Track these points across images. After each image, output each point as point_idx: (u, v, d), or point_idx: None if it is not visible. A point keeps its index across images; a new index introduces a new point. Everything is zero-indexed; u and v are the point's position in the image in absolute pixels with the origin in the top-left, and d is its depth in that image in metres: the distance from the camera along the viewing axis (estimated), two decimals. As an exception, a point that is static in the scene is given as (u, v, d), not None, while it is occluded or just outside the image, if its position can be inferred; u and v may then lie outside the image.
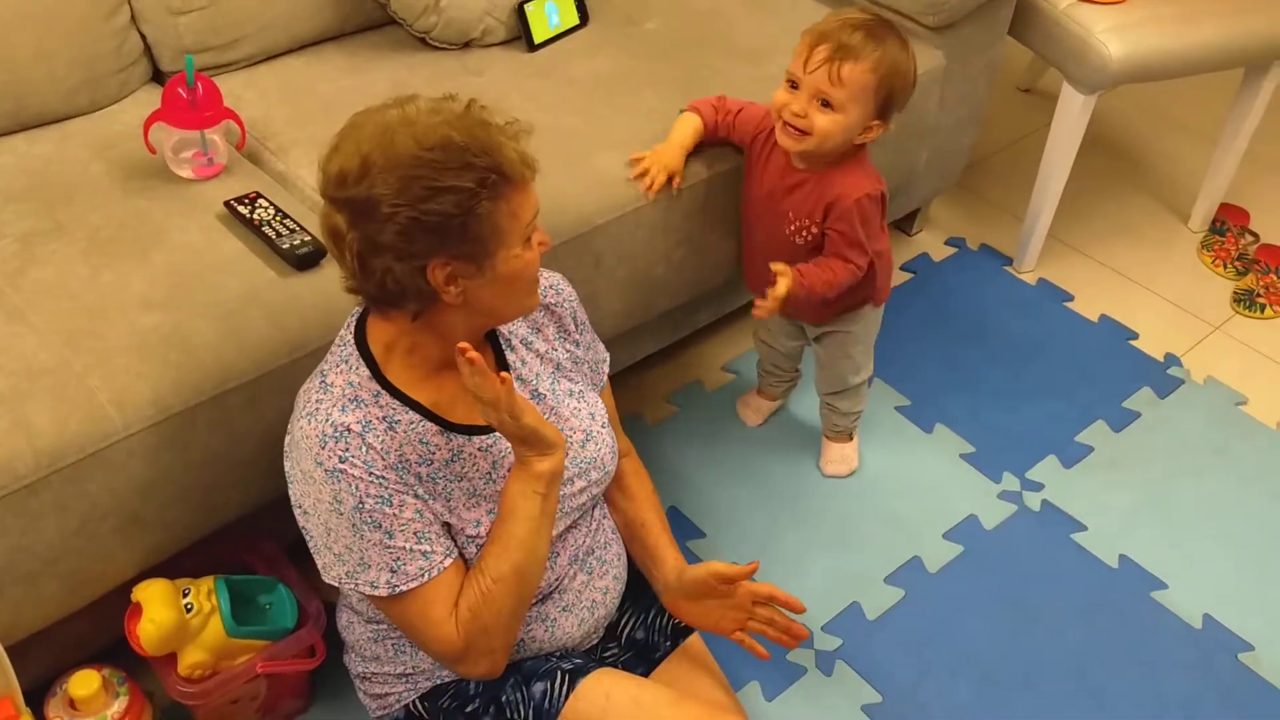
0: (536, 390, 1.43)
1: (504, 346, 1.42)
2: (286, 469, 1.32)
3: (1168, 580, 1.93)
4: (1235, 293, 2.53)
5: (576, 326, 1.50)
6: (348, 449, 1.24)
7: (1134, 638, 1.84)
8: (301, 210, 1.67)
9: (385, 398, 1.29)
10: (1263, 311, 2.48)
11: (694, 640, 1.60)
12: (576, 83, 1.99)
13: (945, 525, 2.00)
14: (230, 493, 1.55)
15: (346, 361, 1.31)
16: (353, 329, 1.34)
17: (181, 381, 1.44)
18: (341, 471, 1.24)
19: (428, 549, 1.28)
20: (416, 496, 1.28)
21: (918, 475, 2.09)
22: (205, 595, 1.51)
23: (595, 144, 1.83)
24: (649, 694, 1.40)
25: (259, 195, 1.66)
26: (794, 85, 1.64)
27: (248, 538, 1.66)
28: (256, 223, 1.61)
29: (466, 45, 2.05)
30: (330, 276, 1.57)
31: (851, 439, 2.08)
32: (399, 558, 1.27)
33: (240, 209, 1.63)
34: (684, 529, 1.96)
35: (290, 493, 1.32)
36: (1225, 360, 2.37)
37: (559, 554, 1.44)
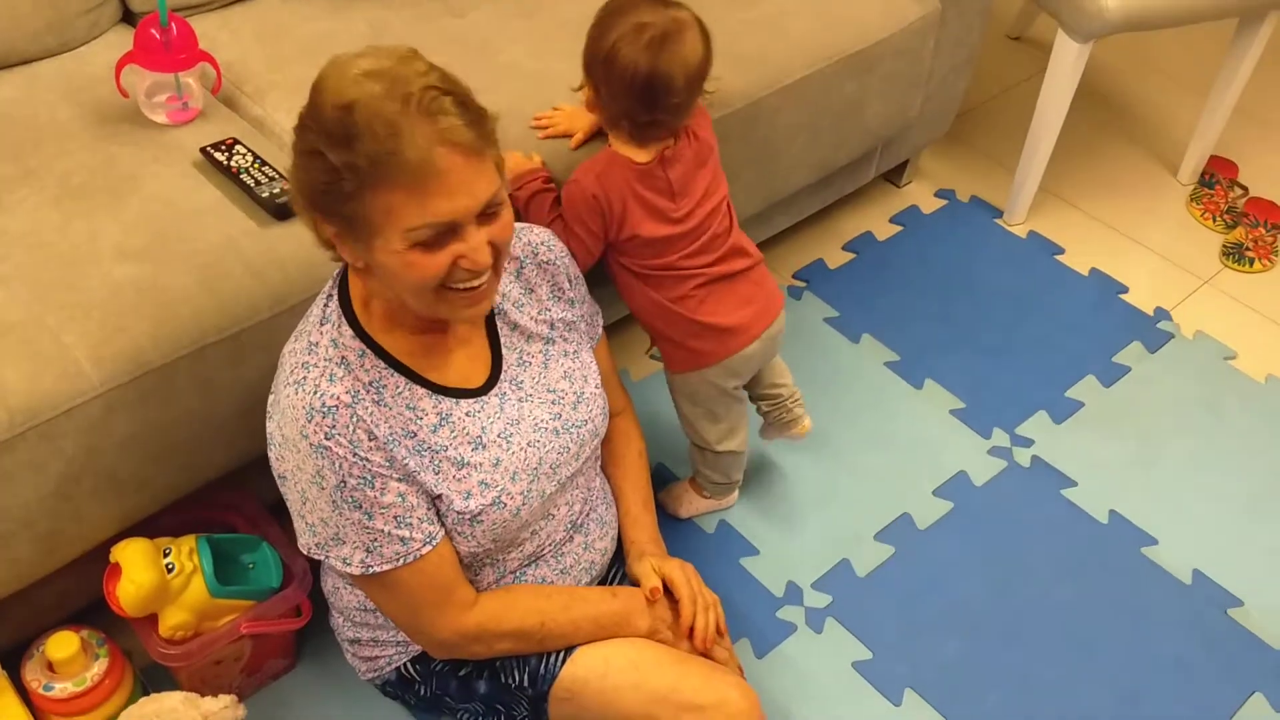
0: (529, 353, 1.39)
1: (495, 311, 1.38)
2: (269, 430, 1.27)
3: (1158, 536, 1.92)
4: (1224, 246, 2.51)
5: (570, 284, 1.46)
6: (334, 425, 1.20)
7: (1124, 593, 1.84)
8: (280, 157, 1.61)
9: (370, 358, 1.25)
10: (1251, 265, 2.47)
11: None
12: (566, 25, 1.92)
13: (935, 482, 1.98)
14: (211, 451, 1.50)
15: (329, 319, 1.26)
16: (336, 283, 1.30)
17: (159, 335, 1.38)
18: (326, 448, 1.20)
19: (406, 535, 1.25)
20: (401, 478, 1.24)
21: (907, 432, 2.06)
22: (187, 555, 1.47)
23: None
24: (649, 655, 1.39)
25: (236, 141, 1.60)
26: None
27: (229, 495, 1.62)
28: (234, 170, 1.55)
29: (449, -14, 1.98)
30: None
31: (703, 497, 1.86)
32: (376, 539, 1.24)
33: (217, 156, 1.57)
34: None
35: (269, 455, 1.28)
36: (1215, 314, 2.35)
37: (554, 516, 1.41)
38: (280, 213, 1.51)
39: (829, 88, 1.96)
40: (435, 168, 1.09)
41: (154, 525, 1.51)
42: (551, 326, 1.42)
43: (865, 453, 2.02)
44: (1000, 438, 2.06)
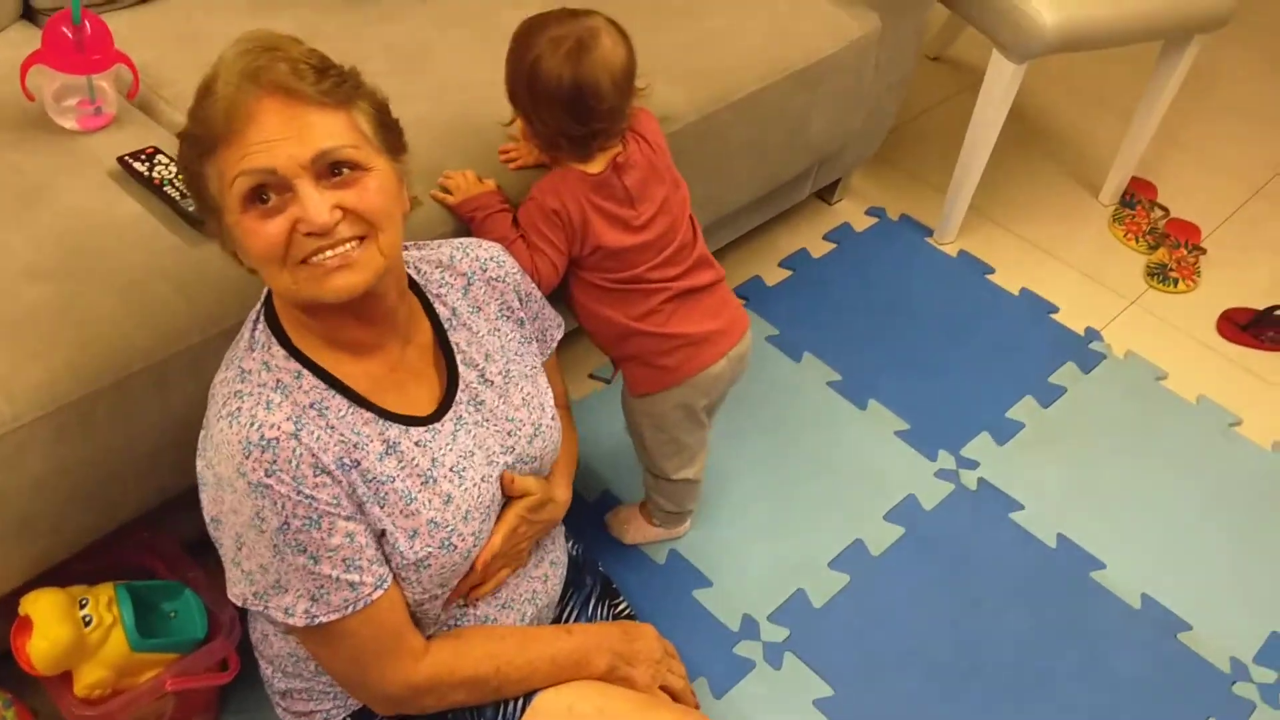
0: (485, 376, 1.29)
1: (447, 327, 1.28)
2: (199, 469, 1.15)
3: (1105, 560, 1.91)
4: (1148, 266, 2.54)
5: (521, 302, 1.37)
6: (275, 460, 1.08)
7: (1076, 620, 1.82)
8: (206, 168, 1.48)
9: (308, 379, 1.14)
10: (1176, 285, 2.50)
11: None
12: (505, 31, 1.83)
13: (885, 506, 1.94)
14: (131, 489, 1.37)
15: (259, 342, 1.15)
16: (263, 303, 1.18)
17: (79, 364, 1.25)
18: (267, 487, 1.08)
19: (355, 579, 1.13)
20: (350, 517, 1.13)
21: (855, 455, 2.02)
22: (105, 605, 1.33)
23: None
24: (616, 703, 1.30)
25: (157, 151, 1.47)
26: None
27: (147, 536, 1.48)
28: (157, 181, 1.42)
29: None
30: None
31: (653, 526, 1.80)
32: (322, 586, 1.12)
33: (137, 166, 1.44)
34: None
35: (201, 498, 1.15)
36: (1143, 334, 2.37)
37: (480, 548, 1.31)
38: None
39: (778, 103, 1.91)
40: (253, 116, 1.01)
41: (66, 572, 1.37)
42: (503, 348, 1.33)
43: (815, 476, 1.97)
44: (946, 460, 2.04)
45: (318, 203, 1.03)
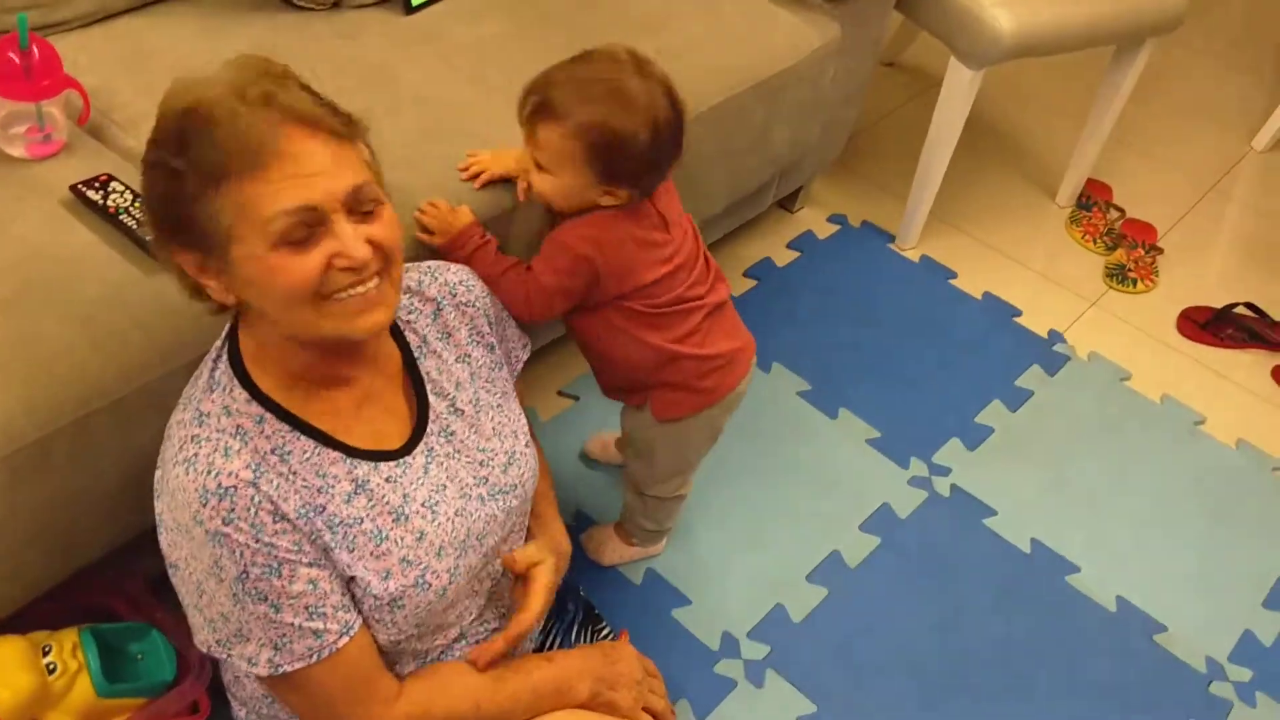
0: (456, 405, 1.26)
1: (417, 355, 1.25)
2: (157, 510, 1.11)
3: (1079, 563, 1.91)
4: (1107, 267, 2.56)
5: (491, 326, 1.34)
6: (233, 509, 1.04)
7: (1055, 625, 1.82)
8: (163, 195, 1.44)
9: (271, 423, 1.10)
10: (1135, 286, 2.52)
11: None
12: (464, 50, 1.81)
13: (860, 516, 1.93)
14: (92, 530, 1.32)
15: (219, 383, 1.11)
16: (225, 342, 1.14)
17: (35, 402, 1.20)
18: (224, 535, 1.04)
19: (319, 626, 1.10)
20: (312, 562, 1.09)
21: (828, 465, 2.01)
22: (70, 652, 1.28)
23: (492, 121, 1.64)
24: (599, 732, 1.27)
25: (111, 178, 1.42)
26: None
27: (110, 576, 1.43)
28: (111, 210, 1.38)
29: (336, 4, 1.84)
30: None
31: (631, 545, 1.77)
32: (285, 634, 1.09)
33: (90, 195, 1.39)
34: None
35: (160, 539, 1.11)
36: (1105, 335, 2.39)
37: (478, 593, 1.29)
38: (168, 257, 1.34)
39: (742, 114, 1.90)
40: (281, 148, 0.97)
41: (28, 616, 1.32)
42: (474, 376, 1.30)
43: (788, 487, 1.95)
44: (918, 467, 2.03)
45: (355, 237, 1.01)
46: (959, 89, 2.28)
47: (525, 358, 1.42)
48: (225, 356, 1.12)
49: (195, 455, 1.06)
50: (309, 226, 1.00)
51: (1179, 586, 1.91)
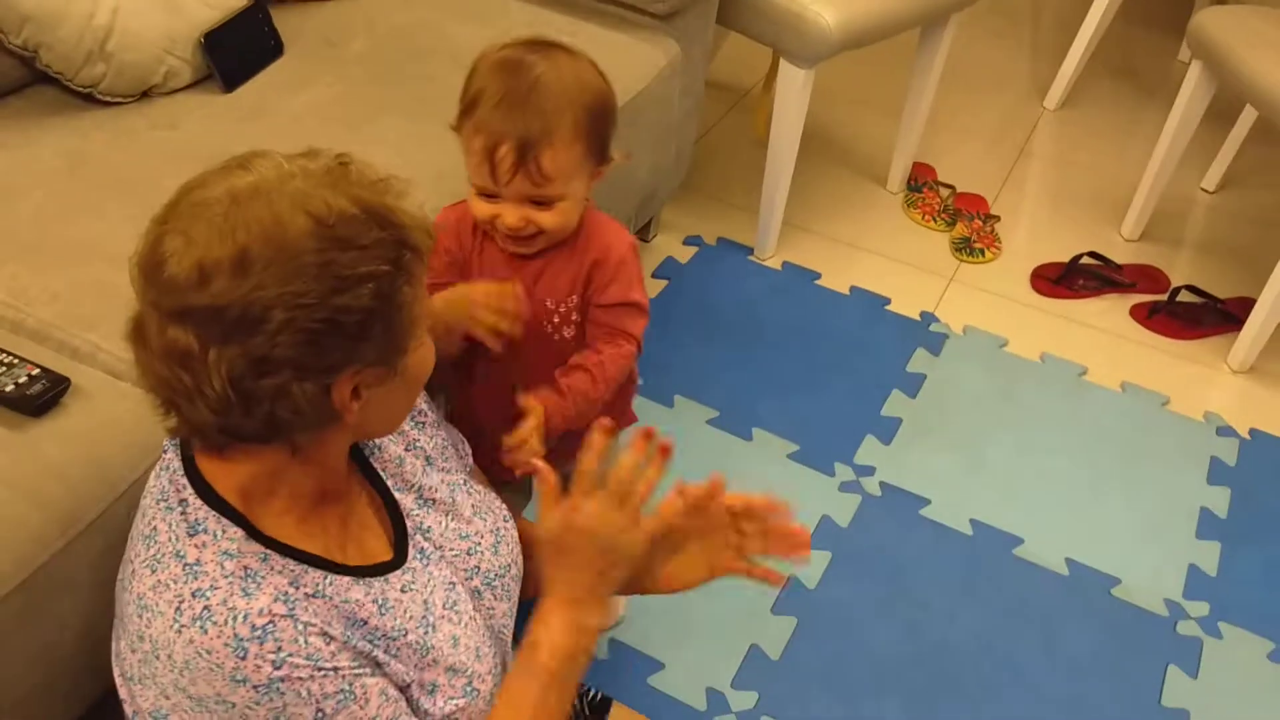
0: (423, 496, 1.11)
1: (367, 454, 1.10)
2: (149, 703, 0.91)
3: (1021, 534, 1.91)
4: (953, 242, 2.60)
5: (428, 404, 1.20)
6: (280, 646, 0.87)
7: (1016, 601, 1.80)
8: (8, 336, 1.23)
9: (276, 559, 0.93)
10: (983, 255, 2.57)
11: (620, 713, 1.35)
12: (302, 119, 1.65)
13: (804, 535, 1.86)
14: (8, 744, 1.10)
15: (202, 528, 0.93)
16: (184, 484, 0.96)
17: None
18: (282, 680, 0.87)
19: None
20: (375, 673, 0.94)
21: (757, 488, 1.90)
22: None
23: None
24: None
25: (-59, 328, 1.20)
26: (490, 196, 1.23)
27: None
28: (-48, 366, 1.16)
29: (145, 95, 1.64)
30: (78, 416, 1.16)
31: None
32: None
33: (-78, 351, 1.17)
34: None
35: None
36: (972, 307, 2.42)
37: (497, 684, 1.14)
38: (37, 408, 1.14)
39: (609, 146, 1.81)
40: (424, 228, 0.91)
41: None
42: (429, 461, 1.16)
43: (725, 524, 1.86)
44: (844, 472, 1.98)
45: None
46: (794, 90, 2.26)
47: (470, 451, 1.28)
48: (198, 498, 0.94)
49: (206, 610, 0.88)
50: None
51: (1117, 536, 1.93)
